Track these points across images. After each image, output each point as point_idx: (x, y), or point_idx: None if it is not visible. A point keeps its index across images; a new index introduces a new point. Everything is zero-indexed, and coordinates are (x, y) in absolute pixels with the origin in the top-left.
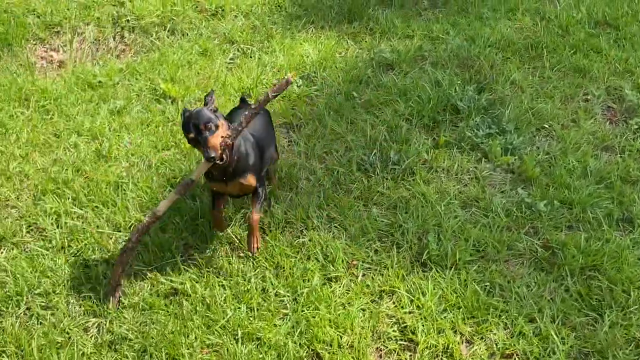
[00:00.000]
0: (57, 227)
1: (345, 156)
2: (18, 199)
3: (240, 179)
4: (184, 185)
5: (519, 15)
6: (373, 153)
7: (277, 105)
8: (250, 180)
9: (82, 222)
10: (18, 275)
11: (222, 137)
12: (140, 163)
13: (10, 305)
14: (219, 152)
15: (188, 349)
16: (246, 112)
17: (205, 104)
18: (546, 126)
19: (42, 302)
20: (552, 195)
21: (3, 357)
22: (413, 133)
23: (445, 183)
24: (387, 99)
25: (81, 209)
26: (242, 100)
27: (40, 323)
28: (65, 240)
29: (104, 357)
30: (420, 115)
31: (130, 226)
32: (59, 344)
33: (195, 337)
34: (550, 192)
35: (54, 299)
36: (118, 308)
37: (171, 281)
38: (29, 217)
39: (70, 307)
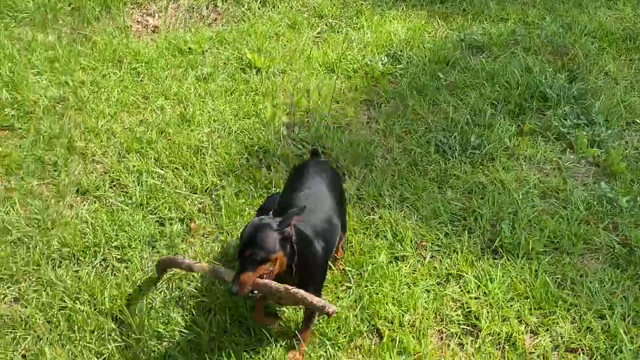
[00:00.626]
0: (138, 184)
1: (424, 137)
2: (104, 155)
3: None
4: (214, 274)
5: (620, 5)
6: (453, 136)
7: (359, 81)
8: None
9: (162, 182)
10: (98, 228)
11: (268, 271)
12: (221, 129)
13: (88, 255)
14: (246, 291)
15: (249, 311)
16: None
17: (282, 222)
18: (638, 121)
19: (118, 254)
20: (637, 191)
21: (76, 303)
22: (497, 118)
23: (526, 171)
24: (474, 82)
25: (162, 169)
26: (314, 153)
27: (114, 275)
28: (145, 198)
29: (170, 312)
30: (507, 101)
31: (207, 189)
32: (130, 296)
33: None
34: (635, 188)
35: (129, 252)
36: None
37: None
38: (113, 173)
39: (143, 262)
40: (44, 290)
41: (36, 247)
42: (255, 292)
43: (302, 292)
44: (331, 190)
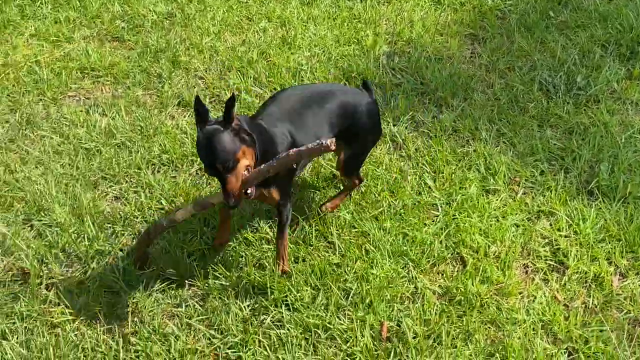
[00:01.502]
0: (237, 101)
1: (528, 75)
2: (206, 71)
3: (261, 187)
4: (202, 205)
5: None
6: (559, 75)
7: (465, 14)
8: (273, 194)
9: (260, 101)
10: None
11: (245, 167)
12: (321, 54)
13: (185, 164)
14: (238, 196)
15: (337, 230)
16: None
17: (225, 119)
18: None
19: None
20: None
21: (172, 204)
22: (606, 61)
23: (631, 116)
24: (585, 23)
25: (260, 89)
26: (365, 86)
27: (209, 184)
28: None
29: (261, 225)
30: (618, 44)
31: None
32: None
33: (346, 221)
34: None
35: None
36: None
37: (331, 166)
38: (213, 89)
39: None
40: (143, 192)
41: (138, 151)
42: (249, 192)
43: (295, 149)
44: (338, 118)
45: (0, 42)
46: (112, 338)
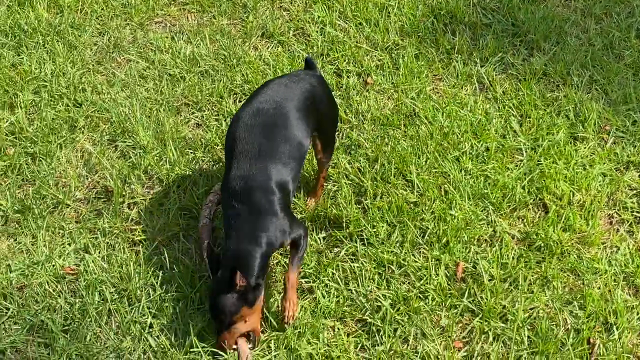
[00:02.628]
0: (321, 35)
1: (626, 21)
2: (291, 3)
3: None
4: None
5: None
6: None
7: None
8: None
9: (344, 35)
10: (278, 70)
11: (246, 329)
12: None
13: None
14: (227, 348)
15: (417, 169)
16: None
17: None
18: None
19: None
20: None
21: None
22: None
23: None
24: None
25: (345, 23)
26: (308, 63)
27: None
28: (325, 49)
29: (340, 160)
30: None
31: (387, 47)
32: None
33: (426, 161)
34: None
35: None
36: None
37: (414, 105)
38: (298, 21)
39: None
40: (224, 120)
41: (221, 80)
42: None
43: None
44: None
45: None
46: (190, 259)
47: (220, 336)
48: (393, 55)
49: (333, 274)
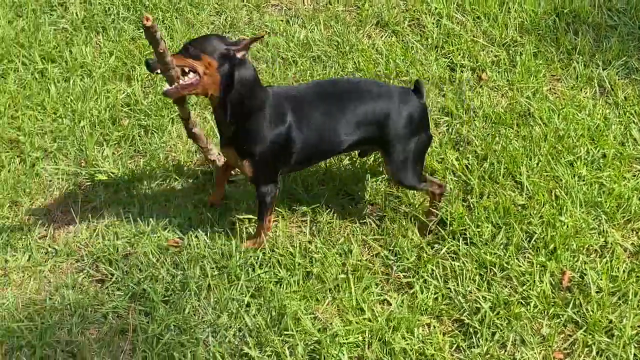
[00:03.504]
0: (437, 27)
1: None
2: None
3: (234, 151)
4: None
5: None
6: None
7: None
8: (246, 166)
9: (460, 29)
10: (391, 60)
11: (190, 68)
12: None
13: None
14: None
15: (528, 170)
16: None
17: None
18: None
19: None
20: None
21: None
22: None
23: None
24: None
25: (463, 16)
26: (417, 86)
27: None
28: (440, 41)
29: (448, 156)
30: None
31: (505, 43)
32: None
33: (538, 163)
34: None
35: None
36: None
37: (529, 104)
38: (414, 12)
39: (430, 100)
40: None
41: (332, 66)
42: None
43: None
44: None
45: None
46: (291, 243)
47: (175, 55)
48: (510, 52)
49: (433, 270)
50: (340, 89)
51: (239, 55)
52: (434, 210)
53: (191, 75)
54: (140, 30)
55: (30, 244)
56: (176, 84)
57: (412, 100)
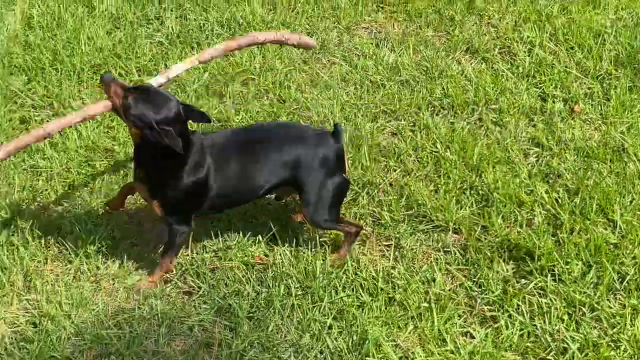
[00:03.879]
0: (528, 55)
1: None
2: (500, 20)
3: (146, 190)
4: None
5: None
6: None
7: None
8: (156, 207)
9: (553, 59)
10: (480, 87)
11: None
12: (629, 19)
13: (466, 111)
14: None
15: (621, 208)
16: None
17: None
18: None
19: (494, 117)
20: None
21: (447, 151)
22: None
23: None
24: None
25: (556, 46)
26: (336, 131)
27: (487, 135)
28: (532, 70)
29: (537, 188)
30: None
31: (599, 76)
32: (497, 159)
33: (632, 201)
34: None
35: (506, 118)
36: None
37: (623, 139)
38: (505, 39)
39: (517, 130)
40: (420, 132)
41: (420, 91)
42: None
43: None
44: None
45: None
46: (374, 268)
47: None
48: (604, 84)
49: (519, 305)
50: (256, 135)
51: (167, 128)
52: (346, 248)
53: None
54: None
55: (120, 252)
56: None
57: (327, 143)
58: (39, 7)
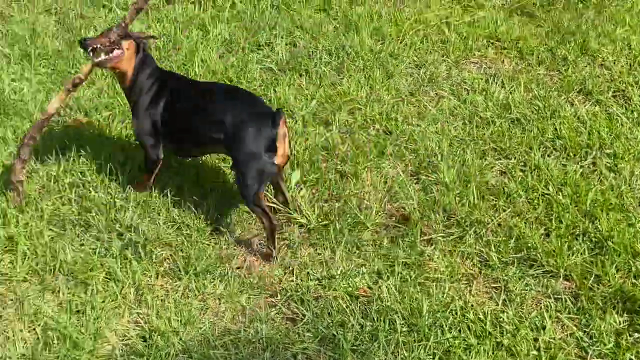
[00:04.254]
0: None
1: None
2: (614, 63)
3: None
4: (73, 84)
5: None
6: None
7: None
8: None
9: None
10: (594, 131)
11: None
12: None
13: (579, 154)
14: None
15: None
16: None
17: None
18: None
19: (609, 162)
20: None
21: (559, 194)
22: None
23: None
24: None
25: None
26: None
27: (600, 181)
28: None
29: None
30: None
31: None
32: (611, 206)
33: None
34: None
35: (620, 164)
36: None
37: None
38: (619, 82)
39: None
40: (530, 172)
41: (531, 130)
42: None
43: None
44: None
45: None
46: (482, 310)
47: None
48: None
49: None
50: (210, 88)
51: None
52: (270, 246)
53: (116, 52)
54: (340, 77)
55: (228, 272)
56: (106, 56)
57: (266, 124)
58: (154, 28)
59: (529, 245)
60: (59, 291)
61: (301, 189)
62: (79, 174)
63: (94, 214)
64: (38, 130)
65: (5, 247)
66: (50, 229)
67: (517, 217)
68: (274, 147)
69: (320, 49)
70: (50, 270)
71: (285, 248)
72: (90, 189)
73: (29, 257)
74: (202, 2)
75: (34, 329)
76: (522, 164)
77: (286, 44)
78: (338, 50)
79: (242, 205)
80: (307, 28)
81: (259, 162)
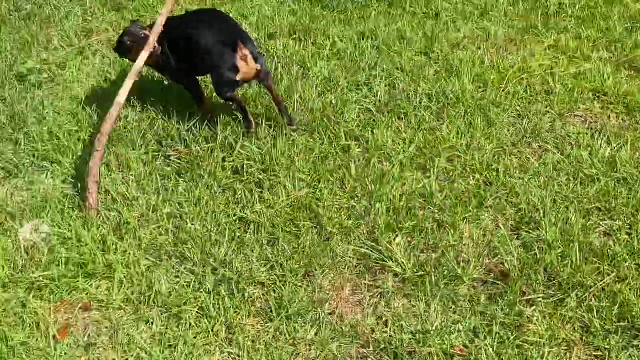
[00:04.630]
0: None
1: None
2: None
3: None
4: (136, 72)
5: None
6: None
7: None
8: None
9: None
10: None
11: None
12: None
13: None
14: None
15: None
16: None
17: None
18: None
19: None
20: None
21: None
22: None
23: None
24: None
25: None
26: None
27: None
28: None
29: None
30: None
31: None
32: None
33: None
34: None
35: None
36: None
37: None
38: None
39: None
40: (637, 236)
41: (638, 192)
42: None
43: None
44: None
45: (520, 47)
46: None
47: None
48: None
49: None
50: (206, 17)
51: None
52: (245, 123)
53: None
54: (440, 122)
55: (319, 318)
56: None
57: (229, 50)
58: None
59: (634, 314)
60: (152, 322)
61: (397, 235)
62: (177, 204)
63: (189, 247)
64: (113, 124)
65: (104, 274)
66: (147, 258)
67: (621, 283)
68: (235, 68)
69: (420, 92)
70: (145, 300)
71: (379, 296)
72: (187, 220)
73: (125, 285)
74: (303, 39)
75: None
76: (628, 226)
77: (385, 86)
78: (438, 94)
79: (337, 248)
80: (408, 70)
81: (224, 76)
